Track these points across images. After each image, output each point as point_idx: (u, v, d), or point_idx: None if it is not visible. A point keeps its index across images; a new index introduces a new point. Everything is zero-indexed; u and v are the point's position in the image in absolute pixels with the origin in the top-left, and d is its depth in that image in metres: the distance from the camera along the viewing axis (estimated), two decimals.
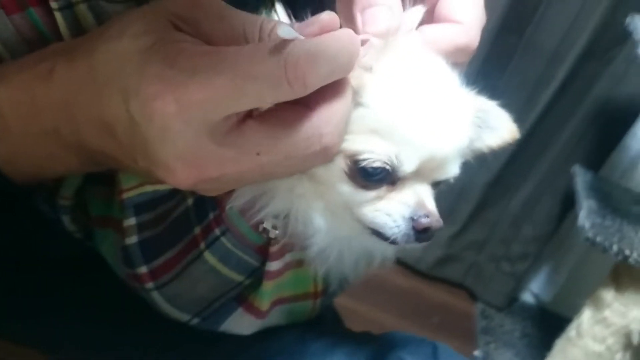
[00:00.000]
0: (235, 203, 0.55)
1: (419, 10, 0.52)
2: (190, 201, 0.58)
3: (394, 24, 0.49)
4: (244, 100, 0.41)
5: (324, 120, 0.44)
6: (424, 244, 0.54)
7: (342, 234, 0.56)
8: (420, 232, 0.52)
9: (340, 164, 0.51)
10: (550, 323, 2.11)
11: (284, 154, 0.44)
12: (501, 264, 2.21)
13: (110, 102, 0.43)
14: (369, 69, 0.50)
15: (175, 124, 0.41)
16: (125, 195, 0.55)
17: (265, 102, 0.42)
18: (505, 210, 2.15)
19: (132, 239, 0.57)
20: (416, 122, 0.50)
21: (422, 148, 0.51)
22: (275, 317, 0.68)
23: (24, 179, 0.51)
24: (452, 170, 0.55)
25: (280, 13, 0.53)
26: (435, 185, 0.55)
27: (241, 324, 0.66)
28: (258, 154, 0.43)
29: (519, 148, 1.99)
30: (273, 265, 0.61)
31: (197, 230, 0.59)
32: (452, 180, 0.55)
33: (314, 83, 0.41)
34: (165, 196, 0.57)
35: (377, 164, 0.50)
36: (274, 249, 0.60)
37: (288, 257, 0.62)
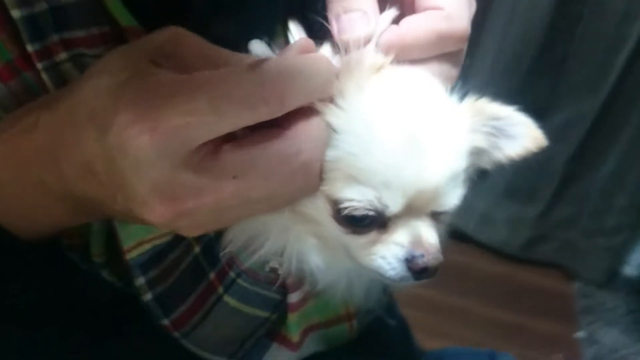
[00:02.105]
0: (229, 249, 0.55)
1: (390, 14, 0.49)
2: (197, 249, 0.59)
3: (370, 30, 0.47)
4: (222, 124, 0.40)
5: (300, 137, 0.43)
6: (425, 281, 0.50)
7: (345, 266, 0.55)
8: (419, 272, 0.49)
9: (326, 208, 0.48)
10: None
11: (262, 174, 0.42)
12: (596, 239, 2.10)
13: (88, 139, 0.42)
14: (331, 99, 0.46)
15: (150, 155, 0.39)
16: (128, 256, 0.56)
17: (243, 123, 0.41)
18: (594, 182, 2.04)
19: (147, 296, 0.58)
20: (393, 160, 0.46)
21: (404, 187, 0.46)
22: (311, 346, 0.67)
23: (20, 233, 0.52)
24: (450, 201, 0.50)
25: (294, 33, 0.52)
26: (436, 215, 0.51)
27: (278, 358, 0.65)
28: (235, 177, 0.42)
29: (600, 115, 1.88)
30: (294, 297, 0.61)
31: (212, 275, 0.60)
32: (452, 210, 0.51)
33: (292, 101, 0.41)
34: (166, 249, 0.57)
35: (359, 212, 0.47)
36: (290, 281, 0.60)
37: (307, 287, 0.61)
